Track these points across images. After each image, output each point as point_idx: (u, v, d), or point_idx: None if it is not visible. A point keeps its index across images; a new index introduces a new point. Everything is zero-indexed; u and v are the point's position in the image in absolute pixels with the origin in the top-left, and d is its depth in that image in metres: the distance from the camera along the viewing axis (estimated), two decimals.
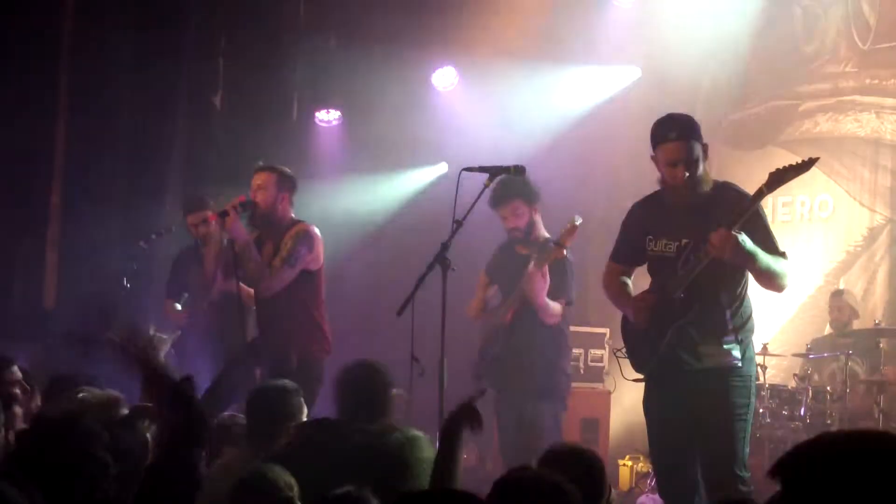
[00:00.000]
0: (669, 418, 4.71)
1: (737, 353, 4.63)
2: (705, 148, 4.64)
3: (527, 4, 9.39)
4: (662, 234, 4.71)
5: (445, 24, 9.20)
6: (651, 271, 4.85)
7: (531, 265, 6.03)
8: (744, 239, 4.40)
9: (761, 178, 4.50)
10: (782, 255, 4.63)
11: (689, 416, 4.63)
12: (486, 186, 5.09)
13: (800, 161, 4.47)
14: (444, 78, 9.57)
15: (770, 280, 4.63)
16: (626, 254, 4.95)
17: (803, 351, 7.97)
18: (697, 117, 4.84)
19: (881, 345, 7.70)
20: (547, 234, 6.31)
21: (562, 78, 9.36)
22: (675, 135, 4.57)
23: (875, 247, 8.88)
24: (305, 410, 4.49)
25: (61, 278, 8.17)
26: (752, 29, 9.32)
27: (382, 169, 9.57)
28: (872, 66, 8.99)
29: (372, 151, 9.42)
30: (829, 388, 7.71)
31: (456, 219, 4.89)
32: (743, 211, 4.41)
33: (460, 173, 4.96)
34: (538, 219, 6.32)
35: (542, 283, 6.01)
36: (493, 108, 9.22)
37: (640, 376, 4.87)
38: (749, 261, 4.49)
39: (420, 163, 9.63)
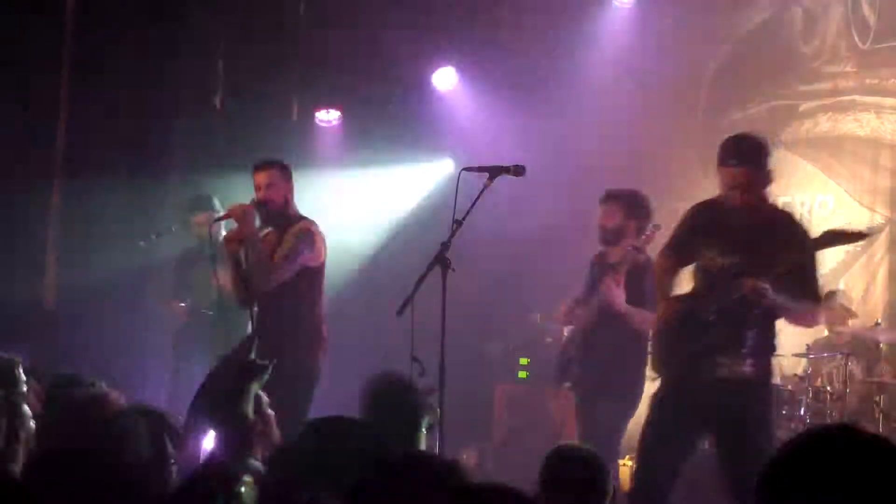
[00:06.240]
0: (679, 422, 4.72)
1: (758, 367, 4.68)
2: (769, 174, 4.66)
3: (527, 4, 9.39)
4: (714, 245, 4.75)
5: (445, 24, 9.20)
6: (693, 275, 4.88)
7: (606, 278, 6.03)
8: (767, 292, 4.53)
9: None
10: (818, 298, 4.74)
11: (702, 427, 4.67)
12: (485, 186, 5.09)
13: (852, 231, 4.73)
14: (444, 78, 9.56)
15: (794, 322, 4.90)
16: (679, 250, 4.97)
17: (803, 351, 7.97)
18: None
19: (880, 345, 7.70)
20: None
21: (562, 77, 9.35)
22: (735, 161, 4.62)
23: (875, 247, 8.87)
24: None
25: (61, 278, 8.17)
26: (752, 29, 9.32)
27: (382, 169, 9.57)
28: (872, 66, 8.98)
29: (372, 151, 9.42)
30: (828, 388, 7.71)
31: (456, 219, 4.90)
32: (786, 262, 4.55)
33: (460, 173, 4.96)
34: (631, 231, 6.17)
35: (616, 292, 5.98)
36: (493, 108, 9.22)
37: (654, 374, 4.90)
38: (771, 309, 4.64)
39: (420, 163, 9.63)
